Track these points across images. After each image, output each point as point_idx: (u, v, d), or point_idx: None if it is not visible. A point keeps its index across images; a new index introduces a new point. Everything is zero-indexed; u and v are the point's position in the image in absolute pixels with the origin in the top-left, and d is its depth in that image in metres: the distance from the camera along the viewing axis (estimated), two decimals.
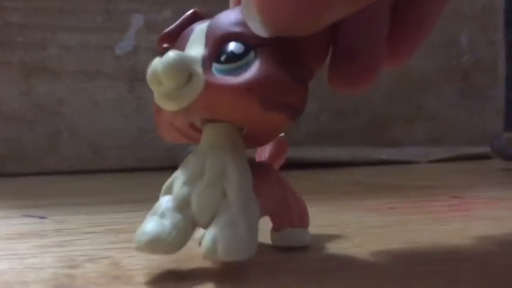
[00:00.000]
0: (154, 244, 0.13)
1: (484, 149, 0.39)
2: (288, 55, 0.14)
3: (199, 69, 0.13)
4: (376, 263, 0.14)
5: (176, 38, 0.15)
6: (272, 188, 0.16)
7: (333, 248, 0.16)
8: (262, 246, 0.15)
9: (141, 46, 0.40)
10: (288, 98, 0.14)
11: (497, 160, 0.37)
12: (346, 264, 0.14)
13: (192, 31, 0.15)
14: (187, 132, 0.15)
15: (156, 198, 0.23)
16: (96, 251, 0.16)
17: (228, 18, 0.14)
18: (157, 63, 0.14)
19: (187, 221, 0.14)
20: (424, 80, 0.43)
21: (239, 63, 0.13)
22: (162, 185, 0.16)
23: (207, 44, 0.14)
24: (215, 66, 0.14)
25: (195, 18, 0.15)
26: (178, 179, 0.14)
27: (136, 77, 0.40)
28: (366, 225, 0.19)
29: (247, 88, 0.13)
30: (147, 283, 0.13)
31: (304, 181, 0.33)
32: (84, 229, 0.19)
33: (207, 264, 0.14)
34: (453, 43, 0.43)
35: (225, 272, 0.14)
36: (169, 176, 0.16)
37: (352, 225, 0.19)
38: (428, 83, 0.43)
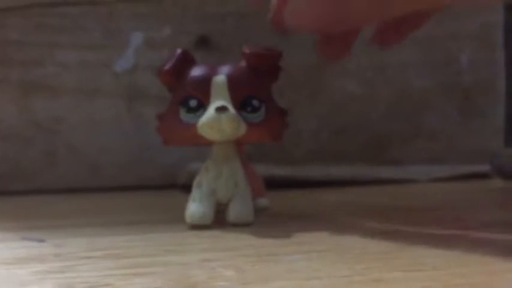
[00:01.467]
0: (201, 218, 0.23)
1: (484, 167, 0.39)
2: (273, 102, 0.24)
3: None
4: None
5: (175, 75, 0.23)
6: (248, 174, 0.24)
7: (335, 276, 0.16)
8: None
9: (140, 64, 0.40)
10: (282, 130, 0.24)
11: (497, 180, 0.37)
12: None
13: (207, 80, 0.23)
14: (200, 144, 0.23)
15: (154, 221, 0.28)
16: (95, 278, 0.16)
17: (244, 79, 0.23)
18: (218, 117, 0.22)
19: (215, 203, 0.23)
20: (424, 98, 0.43)
21: (258, 113, 0.23)
22: (158, 206, 0.31)
23: (232, 98, 0.22)
24: (243, 114, 0.23)
25: (186, 56, 0.23)
26: (205, 178, 0.23)
27: (136, 95, 0.40)
28: (368, 250, 0.19)
29: (271, 134, 0.23)
30: None
31: (304, 200, 0.33)
32: (83, 253, 0.19)
33: None
34: (453, 62, 0.43)
35: None
36: (167, 195, 0.35)
37: (354, 250, 0.19)
38: (428, 102, 0.43)
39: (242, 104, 0.22)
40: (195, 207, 0.23)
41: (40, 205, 0.34)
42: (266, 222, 0.24)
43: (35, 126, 0.39)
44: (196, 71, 0.23)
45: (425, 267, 0.16)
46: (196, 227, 0.23)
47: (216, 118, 0.22)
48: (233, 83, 0.22)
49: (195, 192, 0.23)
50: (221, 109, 0.22)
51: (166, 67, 0.23)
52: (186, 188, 0.35)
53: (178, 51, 0.23)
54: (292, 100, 0.25)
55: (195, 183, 0.23)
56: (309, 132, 0.42)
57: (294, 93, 0.25)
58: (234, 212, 0.23)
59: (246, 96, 0.23)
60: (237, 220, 0.23)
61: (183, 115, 0.23)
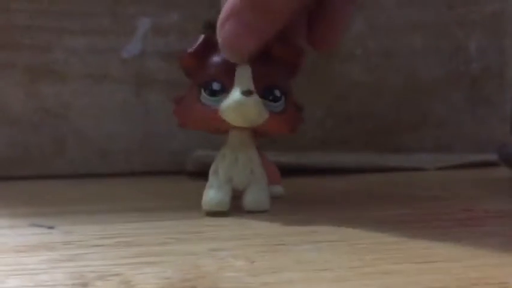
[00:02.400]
0: (219, 205, 0.23)
1: (492, 156, 0.39)
2: (292, 96, 0.24)
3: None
4: (390, 284, 0.14)
5: (197, 58, 0.23)
6: (263, 161, 0.24)
7: (346, 267, 0.16)
8: None
9: (148, 49, 0.40)
10: (299, 124, 0.24)
11: (504, 168, 0.37)
12: (360, 285, 0.14)
13: (232, 66, 0.23)
14: (217, 129, 0.24)
15: (163, 207, 0.28)
16: (106, 267, 0.16)
17: (268, 68, 0.23)
18: (244, 100, 0.22)
19: (231, 190, 0.23)
20: (432, 86, 0.43)
21: (279, 102, 0.23)
22: (167, 192, 0.32)
23: (256, 86, 0.22)
24: (265, 102, 0.22)
25: (209, 41, 0.23)
26: (221, 165, 0.23)
27: (143, 80, 0.40)
28: (378, 241, 0.19)
29: (289, 126, 0.24)
30: None
31: (311, 188, 0.33)
32: (93, 241, 0.19)
33: (219, 280, 0.14)
34: (461, 50, 0.43)
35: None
36: (175, 181, 0.36)
37: (364, 240, 0.19)
38: (436, 90, 0.43)
39: (264, 93, 0.23)
40: (212, 195, 0.23)
41: (49, 191, 0.34)
42: (275, 210, 0.24)
43: (43, 112, 0.39)
44: (221, 56, 0.23)
45: (437, 259, 0.16)
46: (213, 213, 0.23)
47: (241, 101, 0.22)
48: (257, 71, 0.22)
49: (211, 180, 0.23)
50: (248, 92, 0.22)
51: (191, 50, 0.23)
52: (193, 175, 0.35)
53: (202, 36, 0.24)
54: (297, 88, 0.25)
55: (211, 170, 0.24)
56: (314, 120, 0.42)
57: (300, 80, 0.25)
58: (251, 199, 0.23)
59: (268, 85, 0.23)
60: (253, 207, 0.23)
61: (205, 98, 0.23)
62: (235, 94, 0.22)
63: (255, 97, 0.22)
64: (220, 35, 0.22)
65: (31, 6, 0.39)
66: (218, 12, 0.23)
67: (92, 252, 0.18)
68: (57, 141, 0.39)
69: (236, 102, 0.22)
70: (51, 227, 0.22)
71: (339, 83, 0.41)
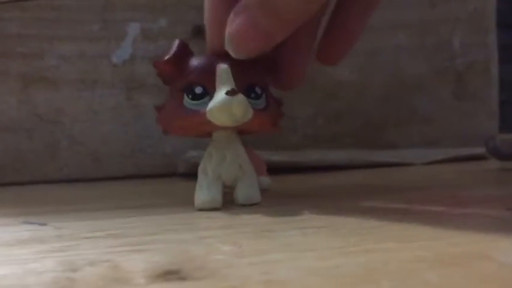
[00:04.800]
0: (211, 203, 0.23)
1: (480, 150, 0.40)
2: (270, 92, 0.24)
3: None
4: (371, 260, 0.14)
5: (175, 64, 0.23)
6: (249, 155, 0.25)
7: (330, 247, 0.16)
8: None
9: (137, 54, 0.40)
10: (278, 119, 0.25)
11: (492, 161, 0.37)
12: (344, 262, 0.14)
13: (211, 68, 0.22)
14: (203, 131, 0.24)
15: (154, 205, 0.26)
16: (96, 255, 0.16)
17: (247, 67, 0.23)
18: (229, 100, 0.21)
19: (221, 186, 0.24)
20: (418, 83, 0.43)
21: (261, 100, 0.23)
22: (159, 192, 0.32)
23: (237, 85, 0.22)
24: (248, 100, 0.22)
25: (184, 46, 0.24)
26: (209, 164, 0.24)
27: (134, 85, 0.40)
28: (363, 225, 0.19)
29: (272, 122, 0.24)
30: (147, 284, 0.13)
31: (301, 184, 0.33)
32: (83, 234, 0.20)
33: (207, 264, 0.15)
34: (446, 45, 0.44)
35: (224, 269, 0.14)
36: (167, 182, 0.35)
37: (348, 225, 0.19)
38: (422, 86, 0.43)
39: (246, 91, 0.23)
40: (204, 195, 0.23)
41: (42, 194, 0.34)
42: (263, 203, 0.24)
43: (36, 118, 0.40)
44: (199, 60, 0.23)
45: (418, 239, 0.17)
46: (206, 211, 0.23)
47: (227, 101, 0.21)
48: (236, 69, 0.22)
49: (201, 179, 0.24)
50: (232, 92, 0.21)
51: (167, 57, 0.23)
52: (185, 176, 0.36)
53: (177, 41, 0.24)
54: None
55: (200, 170, 0.24)
56: (304, 119, 0.42)
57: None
58: (243, 194, 0.24)
59: (249, 83, 0.23)
60: (246, 201, 0.24)
61: (188, 103, 0.23)
62: (220, 95, 0.22)
63: (240, 96, 0.22)
64: (228, 30, 0.22)
65: (22, 14, 0.39)
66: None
67: (82, 243, 0.18)
68: (50, 146, 0.40)
69: (222, 103, 0.21)
70: (43, 224, 0.22)
71: (327, 82, 0.42)
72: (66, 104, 0.40)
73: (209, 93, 0.22)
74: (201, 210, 0.23)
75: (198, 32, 0.40)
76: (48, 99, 0.40)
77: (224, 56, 0.23)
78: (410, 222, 0.19)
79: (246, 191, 0.24)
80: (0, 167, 0.39)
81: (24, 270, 0.15)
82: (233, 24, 0.22)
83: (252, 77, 0.23)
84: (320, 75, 0.41)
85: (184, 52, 0.23)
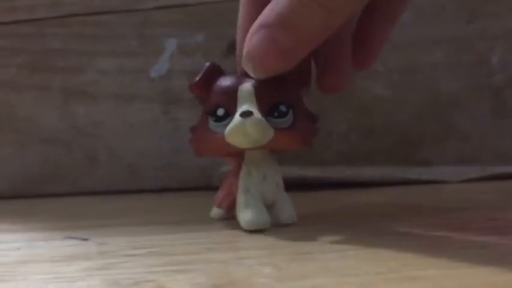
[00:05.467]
0: (262, 224, 0.23)
1: None
2: (302, 108, 0.24)
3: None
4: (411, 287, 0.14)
5: (204, 86, 0.23)
6: None
7: (371, 273, 0.16)
8: None
9: (174, 69, 0.41)
10: (312, 137, 0.24)
11: None
12: None
13: (234, 89, 0.22)
14: (230, 153, 0.24)
15: (192, 220, 0.28)
16: (140, 274, 0.17)
17: (271, 86, 0.22)
18: (242, 121, 0.21)
19: (264, 205, 0.23)
20: (454, 99, 0.43)
21: (286, 118, 0.23)
22: (195, 207, 0.31)
23: (259, 105, 0.22)
24: (271, 119, 0.22)
25: (214, 67, 0.24)
26: (250, 182, 0.23)
27: (171, 99, 0.41)
28: (403, 249, 0.19)
29: (301, 140, 0.23)
30: None
31: (335, 201, 0.33)
32: (126, 251, 0.20)
33: (249, 286, 0.15)
34: (483, 62, 0.43)
35: None
36: (203, 196, 0.33)
37: (389, 249, 0.19)
38: (459, 103, 0.43)
39: (269, 110, 0.22)
40: (253, 214, 0.23)
41: (81, 206, 0.35)
42: (299, 222, 0.24)
43: (75, 131, 0.41)
44: (223, 81, 0.23)
45: (462, 266, 0.16)
46: (253, 231, 0.23)
47: (241, 123, 0.21)
48: (259, 91, 0.22)
49: (246, 198, 0.23)
50: (246, 114, 0.21)
51: (196, 80, 0.23)
52: None
53: (207, 63, 0.24)
54: (321, 103, 0.25)
55: (242, 189, 0.23)
56: (338, 134, 0.42)
57: (324, 96, 0.26)
58: (285, 213, 0.24)
59: (273, 101, 0.22)
60: (289, 220, 0.24)
61: (212, 125, 0.23)
62: (236, 117, 0.22)
63: (255, 117, 0.21)
64: (247, 47, 0.21)
65: (64, 30, 0.40)
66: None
67: (125, 261, 0.18)
68: (88, 158, 0.41)
69: (236, 126, 0.21)
70: (85, 239, 0.22)
71: (361, 98, 0.42)
72: (104, 118, 0.41)
73: (231, 114, 0.22)
74: (250, 230, 0.23)
75: (234, 47, 0.40)
76: (88, 113, 0.41)
77: (251, 77, 0.23)
78: (449, 247, 0.19)
79: (287, 209, 0.24)
80: (40, 178, 0.40)
81: None
82: (251, 43, 0.21)
83: (276, 94, 0.22)
84: (355, 91, 0.41)
85: (214, 74, 0.23)
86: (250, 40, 0.21)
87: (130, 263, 0.18)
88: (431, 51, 0.42)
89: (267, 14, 0.21)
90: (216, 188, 0.38)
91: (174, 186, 0.40)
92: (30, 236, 0.24)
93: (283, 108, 0.22)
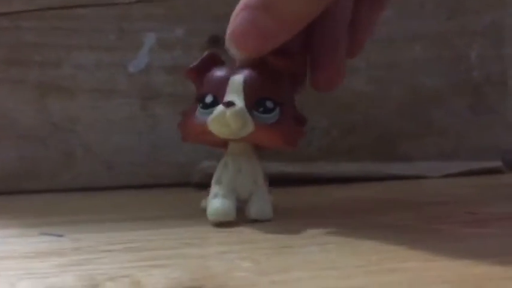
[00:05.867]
0: (226, 215, 0.23)
1: (496, 163, 0.39)
2: (292, 108, 0.23)
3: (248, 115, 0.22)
4: (393, 280, 0.14)
5: (199, 73, 0.24)
6: None
7: (351, 266, 0.16)
8: None
9: (153, 64, 0.40)
10: (296, 137, 0.24)
11: (509, 174, 0.37)
12: (367, 282, 0.14)
13: (225, 79, 0.23)
14: (214, 142, 0.24)
15: (170, 216, 0.26)
16: (115, 270, 0.16)
17: (261, 80, 0.22)
18: (224, 110, 0.21)
19: (235, 199, 0.23)
20: (434, 95, 0.43)
21: (272, 114, 0.22)
22: (174, 203, 0.32)
23: (246, 98, 0.22)
24: (255, 113, 0.22)
25: (213, 57, 0.24)
26: (225, 174, 0.23)
27: (149, 95, 0.40)
28: (382, 243, 0.19)
29: (283, 139, 0.23)
30: None
31: (316, 197, 0.33)
32: (102, 247, 0.20)
33: (228, 281, 0.15)
34: (462, 58, 0.43)
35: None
36: (181, 192, 0.35)
37: (369, 243, 0.19)
38: (439, 99, 0.43)
39: (255, 104, 0.22)
40: (218, 204, 0.23)
41: (57, 203, 0.35)
42: (280, 217, 0.24)
43: (51, 126, 0.40)
44: (218, 70, 0.23)
45: (441, 258, 0.16)
46: (219, 224, 0.23)
47: (221, 112, 0.22)
48: (249, 83, 0.22)
49: (215, 189, 0.23)
50: (227, 104, 0.22)
51: (192, 65, 0.24)
52: (200, 186, 0.36)
53: (206, 52, 0.24)
54: (302, 99, 0.25)
55: (214, 180, 0.24)
56: (319, 130, 0.42)
57: (304, 92, 0.26)
58: (256, 209, 0.23)
59: (260, 97, 0.22)
60: (258, 216, 0.23)
61: (199, 111, 0.23)
62: (219, 106, 0.22)
63: (236, 108, 0.21)
64: (230, 27, 0.22)
65: (40, 23, 0.40)
66: (223, 27, 0.23)
67: (101, 257, 0.18)
68: (65, 154, 0.40)
69: (216, 114, 0.22)
70: (60, 235, 0.22)
71: (343, 93, 0.42)
72: (81, 113, 0.40)
73: (219, 103, 0.22)
74: (214, 221, 0.23)
75: (215, 41, 0.40)
76: (64, 108, 0.40)
77: (247, 68, 0.23)
78: (429, 240, 0.19)
79: (259, 205, 0.23)
80: (16, 174, 0.39)
81: (45, 285, 0.15)
82: (234, 24, 0.21)
83: (265, 90, 0.22)
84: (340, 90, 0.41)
85: (213, 63, 0.24)
86: (234, 21, 0.22)
87: (105, 259, 0.18)
88: (412, 47, 0.43)
89: None
90: (195, 184, 0.38)
91: (152, 182, 0.40)
92: (4, 232, 0.24)
93: (269, 104, 0.22)
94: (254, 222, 0.23)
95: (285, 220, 0.24)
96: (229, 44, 0.22)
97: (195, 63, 0.24)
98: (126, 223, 0.25)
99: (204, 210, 0.24)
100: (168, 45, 0.40)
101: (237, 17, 0.21)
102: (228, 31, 0.22)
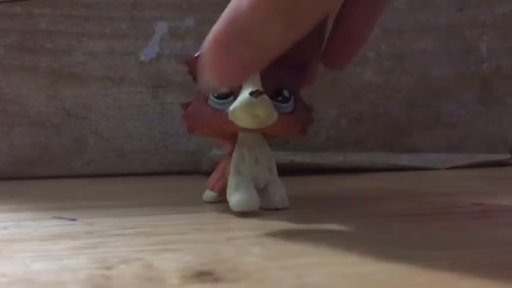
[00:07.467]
0: (251, 205, 0.22)
1: (504, 156, 0.39)
2: (300, 96, 0.24)
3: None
4: (401, 268, 0.15)
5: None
6: None
7: (359, 253, 0.16)
8: None
9: (164, 53, 0.41)
10: (308, 125, 0.24)
11: None
12: (378, 269, 0.14)
13: None
14: (226, 132, 0.23)
15: (181, 202, 0.27)
16: (128, 253, 0.17)
17: (277, 70, 0.21)
18: (253, 101, 0.21)
19: (254, 188, 0.23)
20: (444, 87, 0.43)
21: (288, 103, 0.23)
22: (184, 190, 0.32)
23: (265, 88, 0.21)
24: (274, 103, 0.22)
25: None
26: (242, 164, 0.23)
27: (160, 83, 0.41)
28: (394, 231, 0.19)
29: (298, 127, 0.23)
30: (181, 284, 0.13)
31: (325, 186, 0.33)
32: (114, 231, 0.20)
33: (238, 265, 0.15)
34: (472, 50, 0.43)
35: (257, 272, 0.14)
36: (191, 180, 0.35)
37: (379, 231, 0.19)
38: (448, 90, 0.43)
39: (273, 94, 0.22)
40: (241, 195, 0.22)
41: (70, 189, 0.35)
42: (289, 205, 0.24)
43: (64, 113, 0.40)
44: None
45: (449, 247, 0.16)
46: (244, 213, 0.23)
47: (250, 102, 0.21)
48: (265, 74, 0.22)
49: (237, 180, 0.23)
50: (256, 93, 0.21)
51: (197, 53, 0.22)
52: (209, 174, 0.36)
53: None
54: (311, 89, 0.25)
55: (233, 171, 0.23)
56: (328, 120, 0.42)
57: (313, 82, 0.26)
58: (278, 197, 0.24)
59: (277, 85, 0.22)
60: (281, 204, 0.24)
61: (213, 101, 0.22)
62: (244, 95, 0.21)
63: (264, 97, 0.21)
64: (204, 55, 0.18)
65: (53, 11, 0.40)
66: None
67: (113, 240, 0.18)
68: (77, 141, 0.40)
69: (245, 104, 0.21)
70: (73, 219, 0.22)
71: (352, 84, 0.42)
72: (93, 100, 0.40)
73: (235, 93, 0.22)
74: (240, 212, 0.23)
75: None
76: (76, 95, 0.40)
77: None
78: (436, 230, 0.19)
79: (281, 194, 0.24)
80: (29, 160, 0.40)
81: (58, 266, 0.15)
82: (207, 55, 0.18)
83: (280, 80, 0.22)
84: (344, 77, 0.41)
85: None
86: (207, 51, 0.18)
87: (118, 242, 0.18)
88: (422, 38, 0.43)
89: (224, 23, 0.18)
90: (204, 172, 0.39)
91: (162, 169, 0.40)
92: (18, 216, 0.24)
93: (286, 93, 0.22)
94: (267, 210, 0.23)
95: (294, 208, 0.24)
96: (203, 74, 0.19)
97: (196, 55, 0.22)
98: (137, 209, 0.25)
99: (207, 203, 0.24)
100: (179, 34, 0.41)
101: (210, 48, 0.18)
102: (203, 63, 0.19)
